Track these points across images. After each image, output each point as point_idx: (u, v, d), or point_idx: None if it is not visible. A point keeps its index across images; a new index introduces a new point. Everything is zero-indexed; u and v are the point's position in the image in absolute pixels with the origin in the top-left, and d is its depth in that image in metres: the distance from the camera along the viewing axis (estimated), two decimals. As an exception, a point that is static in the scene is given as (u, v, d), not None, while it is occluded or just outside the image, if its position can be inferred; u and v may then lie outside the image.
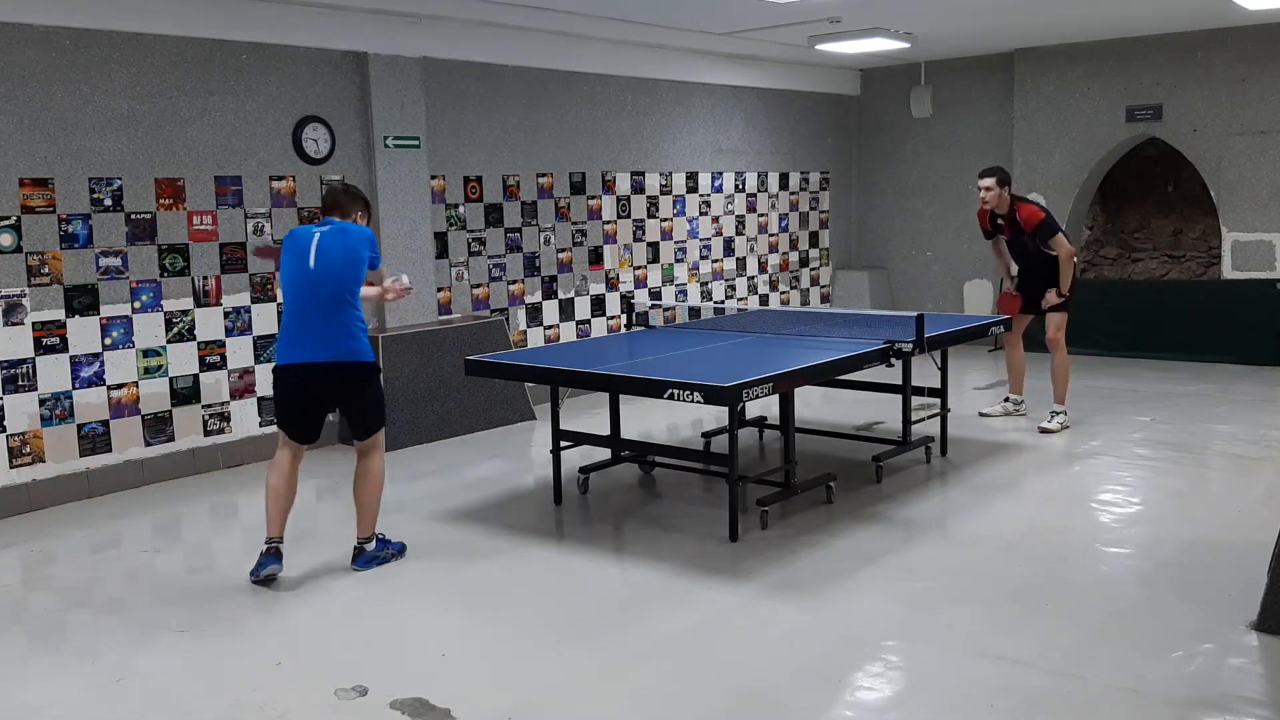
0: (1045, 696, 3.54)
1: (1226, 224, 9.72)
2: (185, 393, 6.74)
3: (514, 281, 8.62)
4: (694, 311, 9.68)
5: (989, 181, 7.16)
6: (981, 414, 7.73)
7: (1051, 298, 7.17)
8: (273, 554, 4.79)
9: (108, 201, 6.35)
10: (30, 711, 3.69)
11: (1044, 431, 7.12)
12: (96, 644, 4.24)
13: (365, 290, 4.98)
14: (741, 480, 5.32)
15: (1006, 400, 7.74)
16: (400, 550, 5.13)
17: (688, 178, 10.06)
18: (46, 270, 6.14)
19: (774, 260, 11.15)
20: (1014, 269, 7.52)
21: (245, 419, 7.03)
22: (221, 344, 6.91)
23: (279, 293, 5.27)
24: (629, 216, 9.53)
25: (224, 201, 6.86)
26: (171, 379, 6.68)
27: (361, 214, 4.98)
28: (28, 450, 6.11)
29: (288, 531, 4.93)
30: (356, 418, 4.98)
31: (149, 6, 6.41)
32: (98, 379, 6.36)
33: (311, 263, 4.74)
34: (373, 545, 5.02)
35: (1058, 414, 7.24)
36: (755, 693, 3.64)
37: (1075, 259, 7.35)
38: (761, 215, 10.94)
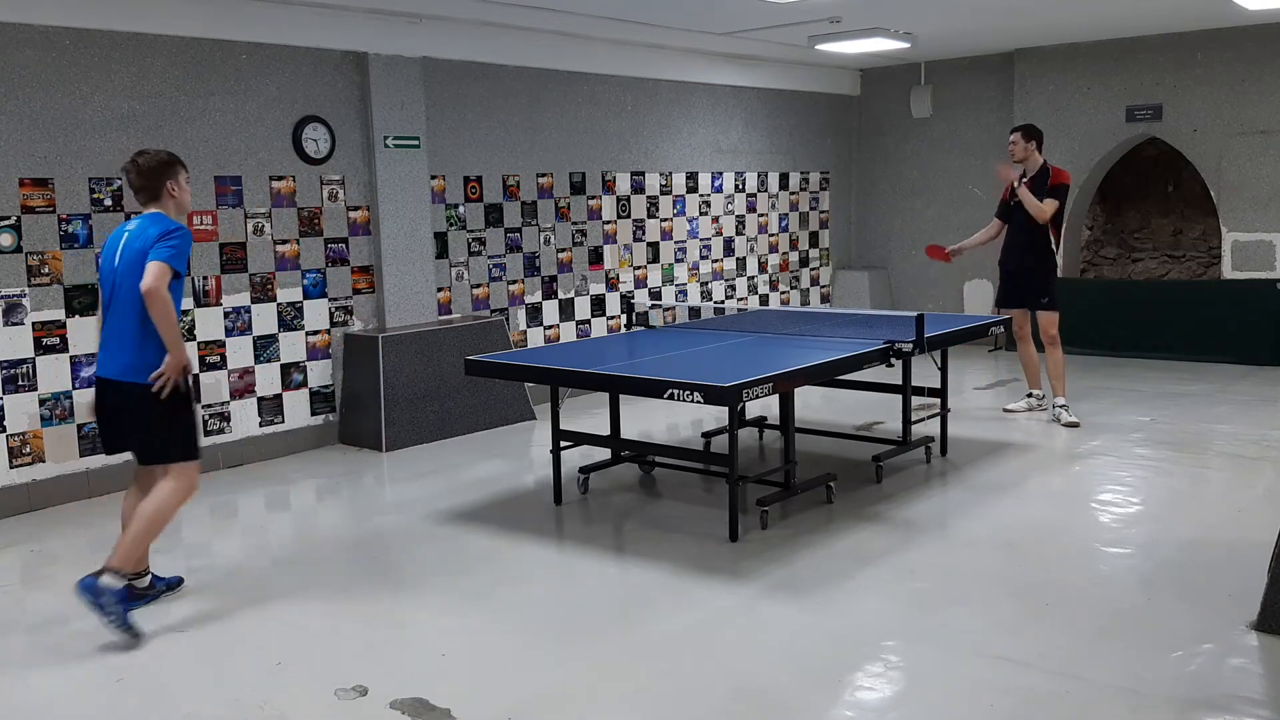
0: (1045, 696, 3.54)
1: (1226, 224, 9.72)
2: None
3: (514, 281, 8.62)
4: (694, 311, 9.68)
5: (1015, 135, 7.36)
6: (1006, 410, 7.78)
7: (1009, 176, 7.31)
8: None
9: (108, 201, 6.35)
10: (30, 711, 3.69)
11: (1071, 425, 7.22)
12: (96, 644, 4.24)
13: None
14: (741, 480, 5.31)
15: (1029, 396, 7.80)
16: (161, 592, 4.59)
17: (688, 178, 10.06)
18: (46, 270, 6.14)
19: (774, 260, 11.15)
20: (966, 246, 7.84)
21: (245, 419, 7.03)
22: (221, 344, 6.90)
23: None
24: (629, 216, 9.53)
25: (224, 201, 6.86)
26: (171, 379, 6.67)
27: (173, 184, 4.39)
28: (28, 450, 6.11)
29: (288, 531, 4.92)
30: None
31: (149, 6, 6.41)
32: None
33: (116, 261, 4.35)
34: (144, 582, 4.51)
35: (1066, 406, 7.35)
36: (755, 693, 3.64)
37: (1060, 243, 7.49)
38: (761, 215, 10.94)
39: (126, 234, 4.36)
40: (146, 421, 4.34)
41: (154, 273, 4.13)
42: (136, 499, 4.48)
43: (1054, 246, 7.33)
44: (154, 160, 4.39)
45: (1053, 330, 7.34)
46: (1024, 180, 7.36)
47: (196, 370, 4.35)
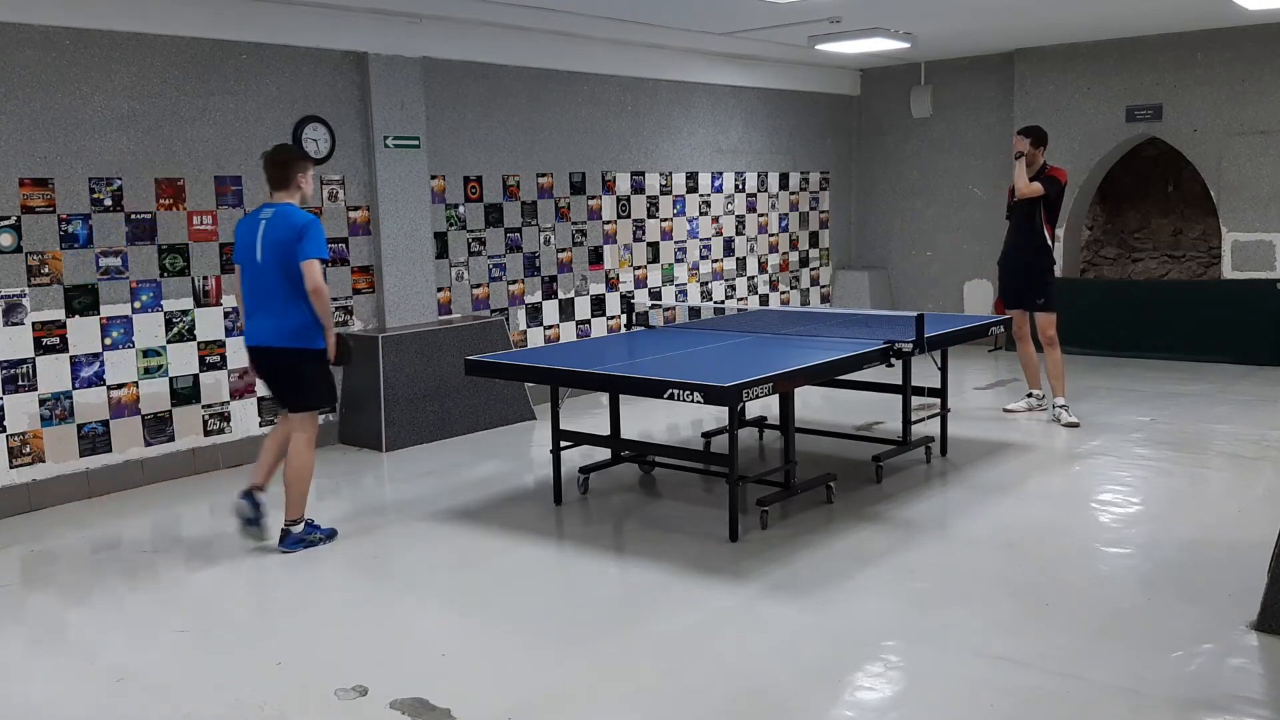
0: (1045, 696, 3.54)
1: (1226, 224, 9.72)
2: (185, 393, 6.74)
3: (514, 281, 8.62)
4: (694, 311, 9.68)
5: (1021, 138, 7.34)
6: (1006, 410, 7.78)
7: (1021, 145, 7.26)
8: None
9: (108, 201, 6.35)
10: (30, 711, 3.69)
11: (1071, 425, 7.20)
12: (96, 644, 4.24)
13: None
14: (741, 480, 5.31)
15: (1029, 396, 7.79)
16: (330, 535, 5.34)
17: (688, 178, 10.06)
18: (46, 270, 6.14)
19: (774, 260, 11.15)
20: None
21: (245, 419, 7.03)
22: (221, 344, 6.91)
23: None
24: (629, 216, 9.53)
25: (224, 201, 6.86)
26: (171, 379, 6.68)
27: (303, 178, 5.17)
28: (28, 450, 6.11)
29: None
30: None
31: (149, 6, 6.41)
32: (98, 379, 6.36)
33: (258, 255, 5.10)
34: (299, 528, 5.23)
35: (1066, 407, 7.34)
36: (755, 693, 3.64)
37: (1057, 240, 7.54)
38: (761, 215, 10.94)
39: (263, 222, 5.06)
40: (291, 377, 5.17)
41: (315, 272, 4.95)
42: (276, 439, 5.32)
43: (1049, 243, 7.33)
44: (286, 154, 5.21)
45: (1050, 331, 7.35)
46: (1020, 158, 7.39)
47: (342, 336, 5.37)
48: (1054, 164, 7.65)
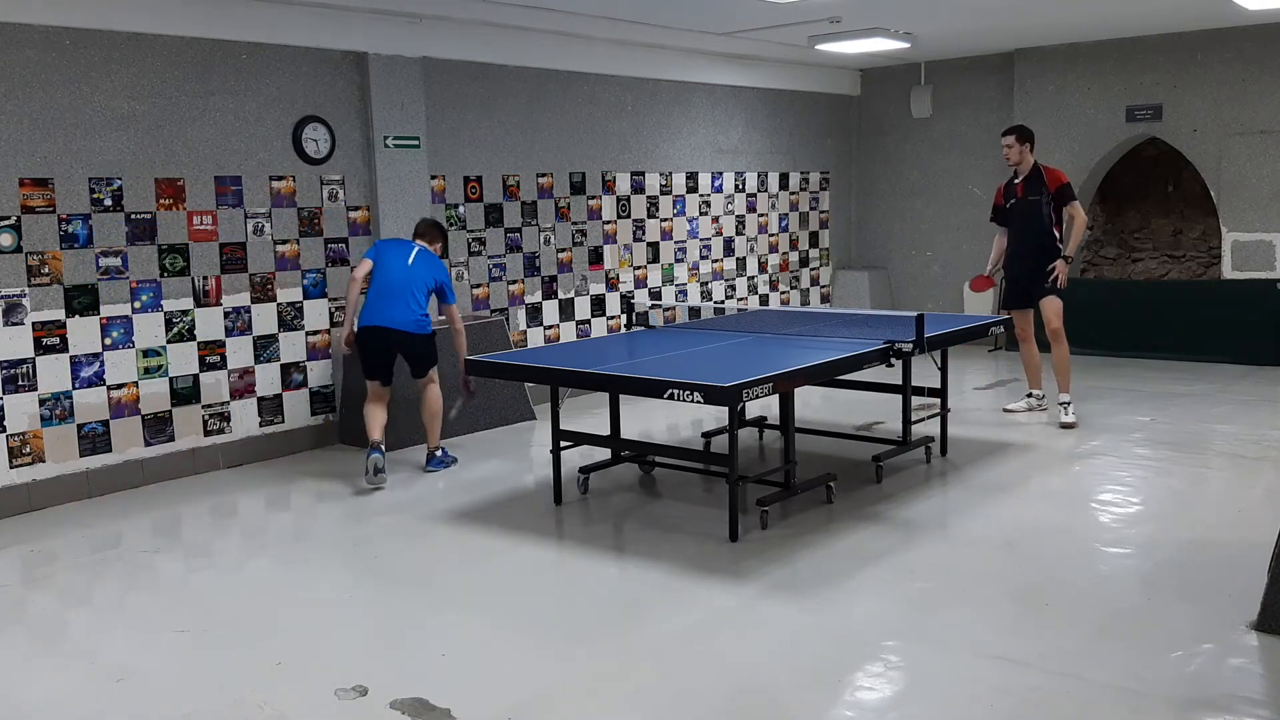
0: (1045, 696, 3.54)
1: (1226, 224, 9.72)
2: (185, 393, 6.74)
3: (514, 281, 8.62)
4: (694, 311, 9.68)
5: (1009, 139, 7.31)
6: (1006, 409, 7.76)
7: (1060, 268, 7.19)
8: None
9: (108, 201, 6.35)
10: (30, 711, 3.69)
11: (1067, 427, 7.16)
12: (96, 644, 4.24)
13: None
14: (741, 480, 5.32)
15: (1029, 395, 7.77)
16: (454, 460, 6.83)
17: (688, 178, 10.06)
18: (46, 270, 6.14)
19: (774, 260, 11.15)
20: (998, 263, 7.66)
21: (245, 419, 7.03)
22: (221, 344, 6.91)
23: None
24: (629, 216, 9.53)
25: (224, 201, 6.86)
26: (171, 379, 6.68)
27: (437, 248, 6.81)
28: (28, 450, 6.11)
29: (288, 531, 4.92)
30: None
31: (149, 6, 6.41)
32: (98, 379, 6.36)
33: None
34: (440, 453, 6.75)
35: (1068, 404, 7.29)
36: (755, 693, 3.64)
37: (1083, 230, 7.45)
38: (761, 215, 10.95)
39: (417, 249, 6.67)
40: (420, 353, 6.65)
41: (458, 316, 6.80)
42: (378, 408, 6.54)
43: (1057, 237, 7.29)
44: (438, 226, 6.90)
45: (1057, 322, 7.22)
46: (1017, 183, 7.34)
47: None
48: (1048, 164, 7.58)
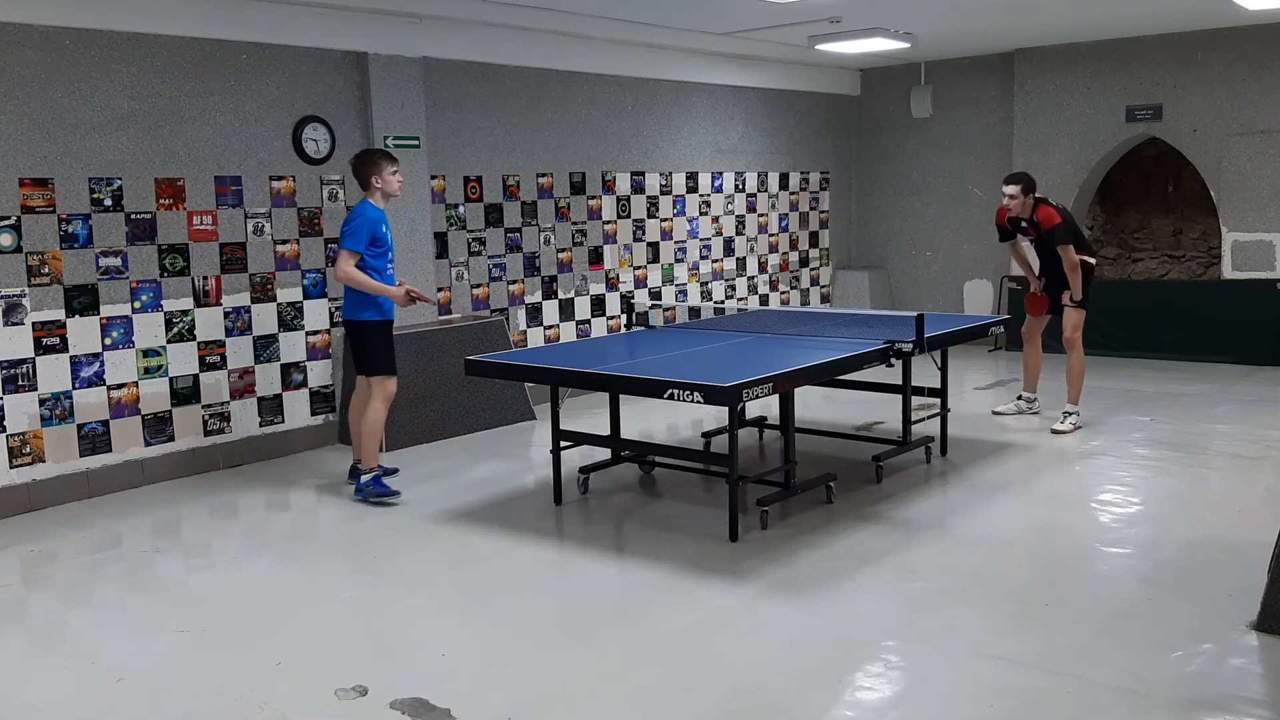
0: (1045, 696, 3.54)
1: (1226, 224, 9.72)
2: (185, 393, 6.74)
3: (514, 281, 8.62)
4: (694, 311, 9.68)
5: (1013, 189, 7.12)
6: (995, 412, 7.75)
7: (1066, 300, 7.19)
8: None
9: (108, 201, 6.35)
10: (30, 711, 3.69)
11: (1056, 433, 7.09)
12: (96, 644, 4.24)
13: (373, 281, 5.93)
14: (741, 480, 5.32)
15: (1020, 398, 7.74)
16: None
17: (688, 178, 10.06)
18: (46, 270, 6.14)
19: (774, 260, 11.15)
20: (1038, 268, 7.53)
21: (245, 419, 7.03)
22: (221, 344, 6.91)
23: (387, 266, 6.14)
24: (629, 216, 9.53)
25: (224, 201, 6.86)
26: (171, 379, 6.68)
27: (377, 178, 5.92)
28: (28, 450, 6.11)
29: (288, 531, 4.92)
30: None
31: (149, 6, 6.41)
32: (98, 379, 6.36)
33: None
34: (367, 477, 6.05)
35: (1070, 414, 7.22)
36: (755, 692, 3.64)
37: (1092, 262, 7.28)
38: (761, 215, 10.94)
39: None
40: (358, 346, 6.11)
41: (339, 262, 5.87)
42: (356, 407, 6.26)
43: (1073, 283, 7.13)
44: (358, 158, 6.03)
45: (1071, 333, 7.16)
46: (1024, 225, 7.22)
47: (414, 291, 6.14)
48: (1043, 198, 7.34)
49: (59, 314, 6.20)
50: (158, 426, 6.62)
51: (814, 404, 8.12)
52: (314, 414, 7.40)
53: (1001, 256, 10.45)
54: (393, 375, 6.12)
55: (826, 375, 5.63)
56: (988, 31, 9.57)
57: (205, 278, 6.80)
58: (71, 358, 6.25)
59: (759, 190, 10.88)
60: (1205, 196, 10.07)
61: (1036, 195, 7.23)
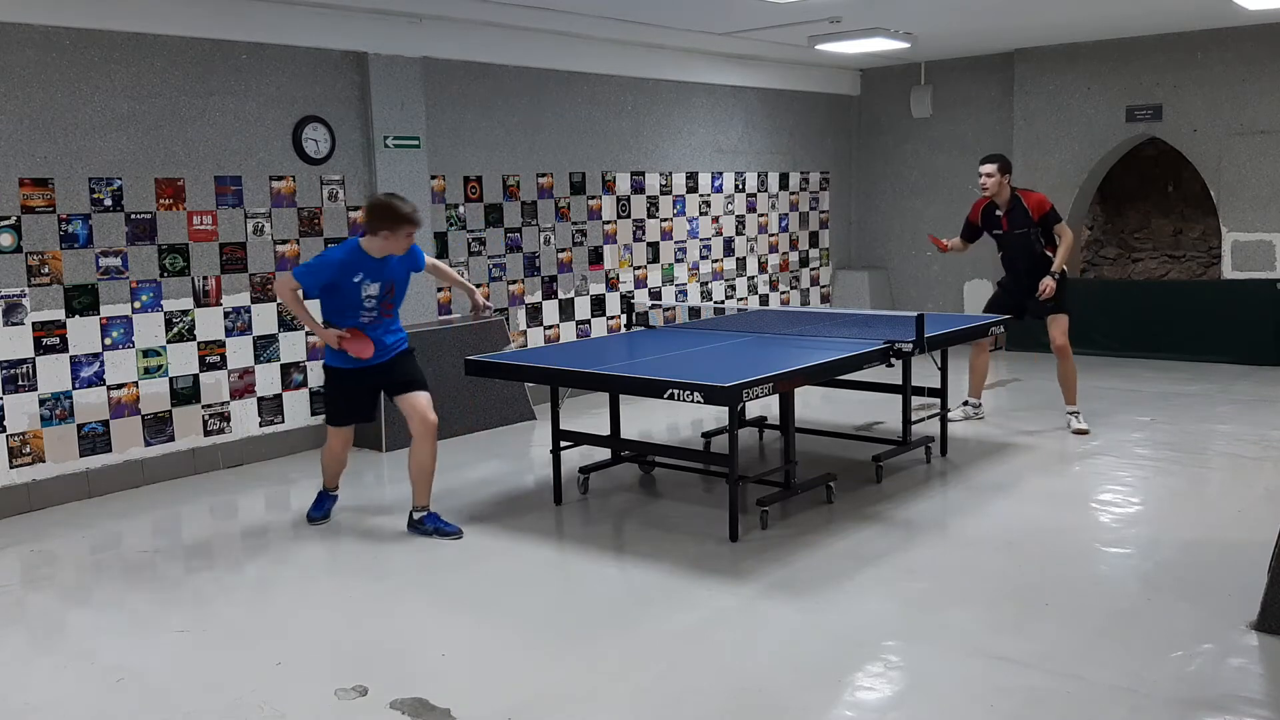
0: (1045, 696, 3.54)
1: (1226, 224, 9.72)
2: (185, 393, 6.74)
3: (514, 281, 8.62)
4: (694, 311, 9.68)
5: (990, 168, 7.08)
6: (946, 418, 7.61)
7: (1048, 285, 7.01)
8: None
9: (108, 201, 6.35)
10: (30, 711, 3.69)
11: (1080, 433, 7.02)
12: (96, 644, 4.24)
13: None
14: (741, 480, 5.32)
15: (965, 404, 7.63)
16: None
17: (688, 178, 10.06)
18: (46, 270, 6.14)
19: (774, 260, 11.15)
20: (956, 243, 7.53)
21: (245, 419, 7.03)
22: (221, 344, 6.91)
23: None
24: (629, 216, 9.53)
25: (224, 201, 6.86)
26: (171, 379, 6.68)
27: (389, 236, 5.15)
28: (28, 450, 6.11)
29: (288, 531, 4.92)
30: None
31: (149, 6, 6.41)
32: (98, 379, 6.36)
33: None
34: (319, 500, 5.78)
35: (1077, 413, 7.17)
36: (755, 693, 3.64)
37: (1076, 247, 7.32)
38: (761, 215, 10.94)
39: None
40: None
41: (278, 281, 5.70)
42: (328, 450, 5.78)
43: (1061, 255, 7.08)
44: (383, 207, 5.17)
45: (1062, 339, 7.10)
46: (1000, 215, 7.17)
47: (347, 339, 5.30)
48: (1026, 186, 7.32)
49: (59, 314, 6.19)
50: (158, 426, 6.62)
51: (814, 404, 8.12)
52: (314, 414, 7.39)
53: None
54: (333, 425, 5.61)
55: (826, 375, 5.63)
56: (988, 31, 9.57)
57: (205, 278, 6.80)
58: (71, 358, 6.25)
59: (759, 190, 10.88)
60: (1205, 196, 10.07)
61: (1014, 185, 7.23)
